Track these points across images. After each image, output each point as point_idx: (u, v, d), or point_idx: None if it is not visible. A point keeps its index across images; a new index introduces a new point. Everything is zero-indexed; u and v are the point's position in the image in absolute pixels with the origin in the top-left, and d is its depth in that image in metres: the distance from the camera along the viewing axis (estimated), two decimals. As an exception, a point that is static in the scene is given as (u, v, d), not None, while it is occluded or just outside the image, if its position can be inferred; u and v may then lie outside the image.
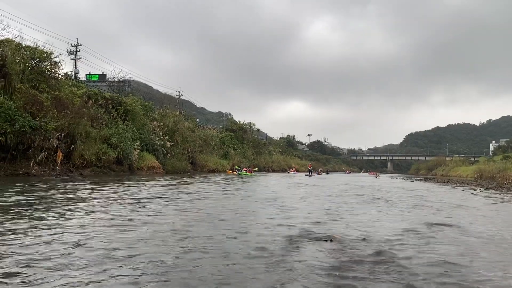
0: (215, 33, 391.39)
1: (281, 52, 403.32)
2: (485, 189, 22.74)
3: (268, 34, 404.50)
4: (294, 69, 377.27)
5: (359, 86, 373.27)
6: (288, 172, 56.20)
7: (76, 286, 3.34)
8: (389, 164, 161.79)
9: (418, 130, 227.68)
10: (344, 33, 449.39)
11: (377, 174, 68.20)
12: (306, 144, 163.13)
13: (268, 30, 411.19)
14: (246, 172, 40.71)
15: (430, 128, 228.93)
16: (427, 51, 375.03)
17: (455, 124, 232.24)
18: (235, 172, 40.72)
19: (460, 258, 4.87)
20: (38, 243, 4.82)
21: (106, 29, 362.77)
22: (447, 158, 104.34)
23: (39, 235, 5.30)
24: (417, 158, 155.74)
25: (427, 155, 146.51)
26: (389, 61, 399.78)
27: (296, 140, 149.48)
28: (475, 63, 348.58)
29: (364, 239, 5.77)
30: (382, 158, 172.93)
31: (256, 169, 49.43)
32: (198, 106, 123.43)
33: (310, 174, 51.14)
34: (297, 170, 68.31)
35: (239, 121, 75.91)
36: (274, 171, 66.54)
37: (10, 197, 9.64)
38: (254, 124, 78.46)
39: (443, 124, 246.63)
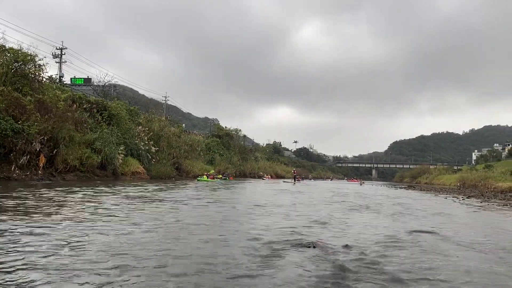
0: (203, 36, 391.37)
1: (270, 57, 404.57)
2: (467, 197, 23.06)
3: (257, 38, 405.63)
4: (282, 74, 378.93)
5: (347, 93, 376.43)
6: (263, 179, 55.31)
7: None
8: (374, 172, 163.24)
9: (403, 138, 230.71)
10: (334, 38, 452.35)
11: (362, 181, 68.63)
12: (292, 150, 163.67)
13: (257, 34, 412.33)
14: (207, 178, 34.98)
15: (414, 137, 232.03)
16: (416, 58, 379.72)
17: (439, 133, 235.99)
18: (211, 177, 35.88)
19: (441, 264, 4.92)
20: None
21: (90, 29, 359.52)
22: (431, 167, 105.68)
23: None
24: (401, 166, 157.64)
25: (411, 163, 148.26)
26: (378, 67, 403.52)
27: (283, 146, 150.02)
28: (464, 71, 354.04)
29: (346, 246, 5.80)
30: (367, 165, 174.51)
31: (221, 176, 42.29)
32: (184, 111, 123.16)
33: (294, 181, 48.17)
34: (273, 176, 67.63)
35: (226, 127, 75.95)
36: (259, 177, 66.56)
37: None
38: (240, 130, 78.64)
39: (428, 132, 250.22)
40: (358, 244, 6.03)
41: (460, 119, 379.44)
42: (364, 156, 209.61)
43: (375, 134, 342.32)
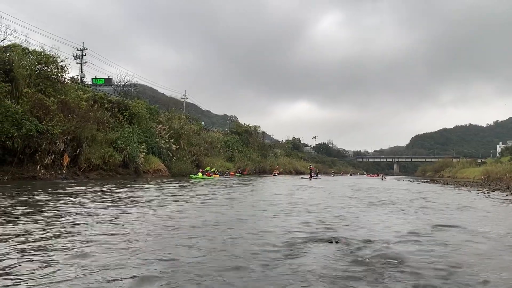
0: (220, 32, 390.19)
1: (288, 51, 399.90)
2: (492, 191, 22.56)
3: (275, 32, 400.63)
4: (301, 68, 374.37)
5: (367, 86, 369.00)
6: (274, 175, 54.33)
7: None
8: (395, 166, 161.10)
9: (425, 132, 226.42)
10: (354, 30, 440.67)
11: (383, 176, 67.87)
12: (312, 146, 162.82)
13: (275, 28, 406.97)
14: (202, 175, 32.44)
15: (436, 130, 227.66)
16: (440, 47, 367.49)
17: (461, 125, 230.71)
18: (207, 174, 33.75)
19: (468, 259, 4.83)
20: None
21: (109, 29, 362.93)
22: (454, 160, 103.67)
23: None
24: (423, 160, 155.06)
25: (433, 157, 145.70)
26: (399, 58, 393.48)
27: (302, 142, 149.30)
28: (490, 60, 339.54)
29: (369, 241, 5.75)
30: (388, 160, 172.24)
31: (217, 174, 38.02)
32: (203, 109, 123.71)
33: (311, 177, 45.74)
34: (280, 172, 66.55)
35: (245, 124, 76.03)
36: (280, 173, 66.43)
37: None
38: (259, 126, 78.63)
39: (450, 125, 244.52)
40: (380, 239, 5.97)
41: (484, 110, 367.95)
42: (385, 151, 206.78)
43: (396, 128, 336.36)
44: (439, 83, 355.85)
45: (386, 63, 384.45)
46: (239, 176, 43.18)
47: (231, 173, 44.82)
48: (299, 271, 4.07)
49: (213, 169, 38.15)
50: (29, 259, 4.20)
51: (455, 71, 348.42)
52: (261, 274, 3.92)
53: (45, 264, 4.03)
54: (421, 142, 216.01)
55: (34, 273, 3.72)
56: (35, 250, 4.63)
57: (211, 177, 33.17)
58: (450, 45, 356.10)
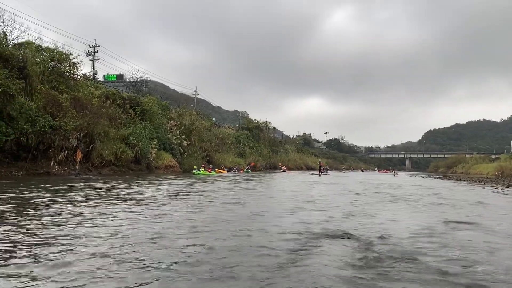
0: (230, 27, 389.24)
1: (299, 46, 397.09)
2: (506, 187, 22.27)
3: (285, 28, 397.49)
4: (312, 63, 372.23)
5: (379, 81, 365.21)
6: (284, 171, 53.91)
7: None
8: (407, 162, 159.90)
9: (437, 127, 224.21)
10: (366, 24, 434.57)
11: (395, 172, 67.38)
12: (323, 142, 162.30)
13: (285, 23, 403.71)
14: (205, 171, 31.51)
15: (449, 125, 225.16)
16: (453, 41, 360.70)
17: (475, 120, 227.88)
18: (208, 170, 32.91)
19: (482, 256, 4.78)
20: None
21: (120, 25, 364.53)
22: (467, 156, 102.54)
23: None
24: (436, 155, 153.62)
25: (446, 153, 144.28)
26: (412, 53, 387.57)
27: (313, 138, 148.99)
28: (505, 54, 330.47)
29: (382, 237, 5.72)
30: (400, 156, 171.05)
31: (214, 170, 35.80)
32: (214, 105, 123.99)
33: (320, 173, 44.23)
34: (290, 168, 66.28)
35: (255, 120, 76.04)
36: (290, 169, 66.39)
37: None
38: (270, 122, 78.59)
39: (463, 120, 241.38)
40: (393, 235, 5.93)
41: (498, 106, 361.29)
42: (397, 146, 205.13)
43: (408, 123, 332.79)
44: (452, 78, 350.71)
45: (398, 58, 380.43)
46: (247, 172, 42.97)
47: (242, 170, 44.67)
48: (311, 266, 4.07)
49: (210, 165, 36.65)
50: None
51: (469, 66, 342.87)
52: (273, 269, 3.93)
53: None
54: (433, 137, 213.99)
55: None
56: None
57: (212, 172, 32.81)
58: (465, 39, 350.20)
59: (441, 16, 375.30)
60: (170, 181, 18.77)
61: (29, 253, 4.26)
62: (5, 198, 9.30)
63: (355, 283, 3.57)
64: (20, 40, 25.29)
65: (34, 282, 3.32)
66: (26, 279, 3.39)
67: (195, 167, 31.89)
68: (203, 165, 33.19)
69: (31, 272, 3.60)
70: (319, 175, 39.78)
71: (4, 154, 18.64)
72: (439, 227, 6.86)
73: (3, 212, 7.14)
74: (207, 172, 31.39)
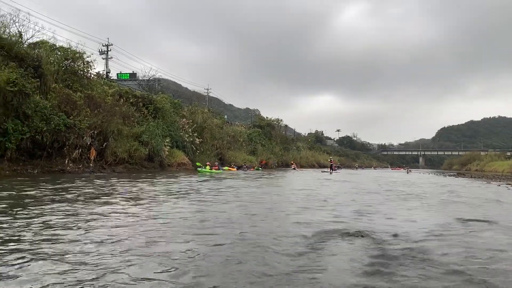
0: (242, 25, 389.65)
1: (311, 43, 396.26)
2: (522, 184, 21.92)
3: (297, 24, 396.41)
4: (324, 60, 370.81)
5: (392, 78, 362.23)
6: (294, 169, 53.44)
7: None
8: (420, 159, 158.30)
9: (451, 124, 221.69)
10: (379, 20, 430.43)
11: (409, 169, 66.77)
12: (335, 139, 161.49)
13: (297, 20, 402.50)
14: (211, 169, 30.02)
15: (463, 122, 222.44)
16: (468, 37, 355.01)
17: (490, 117, 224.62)
18: (215, 168, 31.38)
19: (499, 254, 4.71)
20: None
21: (133, 24, 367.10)
22: (482, 153, 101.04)
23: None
24: (450, 153, 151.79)
25: (460, 150, 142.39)
26: (426, 49, 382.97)
27: (325, 135, 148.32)
28: None
29: (396, 235, 5.67)
30: (413, 153, 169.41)
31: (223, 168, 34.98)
32: (226, 102, 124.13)
33: (331, 170, 43.29)
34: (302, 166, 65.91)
35: (267, 117, 75.92)
36: (302, 166, 66.24)
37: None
38: (281, 120, 78.44)
39: (478, 117, 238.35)
40: (407, 233, 5.87)
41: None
42: (410, 144, 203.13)
43: (421, 120, 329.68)
44: (466, 74, 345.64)
45: (411, 54, 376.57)
46: (257, 169, 42.82)
47: (252, 167, 44.54)
48: (325, 264, 4.06)
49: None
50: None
51: (483, 62, 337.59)
52: (286, 267, 3.92)
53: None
54: (447, 134, 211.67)
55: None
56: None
57: (218, 170, 30.90)
58: (480, 34, 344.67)
59: (454, 11, 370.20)
60: (181, 179, 18.88)
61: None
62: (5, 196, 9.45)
63: (370, 283, 3.55)
64: (35, 40, 25.60)
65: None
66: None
67: (197, 163, 30.93)
68: (208, 163, 31.25)
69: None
70: (330, 173, 39.57)
71: (20, 152, 18.91)
72: (455, 225, 6.78)
73: None
74: (214, 170, 29.89)
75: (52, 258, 3.97)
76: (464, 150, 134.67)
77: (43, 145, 19.71)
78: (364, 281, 3.55)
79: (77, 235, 5.14)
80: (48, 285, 3.19)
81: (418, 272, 3.86)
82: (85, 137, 21.65)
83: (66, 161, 20.58)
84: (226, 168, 36.75)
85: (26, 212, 6.79)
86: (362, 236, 5.53)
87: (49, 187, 11.97)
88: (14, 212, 6.74)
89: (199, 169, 28.94)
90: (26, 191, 10.51)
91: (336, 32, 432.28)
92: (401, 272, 3.85)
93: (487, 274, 3.85)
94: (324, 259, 4.28)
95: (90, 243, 4.69)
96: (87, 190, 11.27)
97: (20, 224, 5.74)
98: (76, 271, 3.57)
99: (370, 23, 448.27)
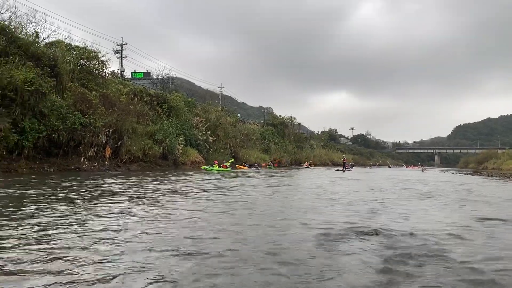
0: (256, 22, 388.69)
1: (325, 40, 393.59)
2: (541, 183, 21.50)
3: (312, 21, 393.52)
4: (338, 58, 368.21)
5: (408, 75, 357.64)
6: (307, 167, 53.04)
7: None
8: (436, 158, 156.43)
9: (468, 122, 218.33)
10: (395, 16, 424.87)
11: (424, 167, 66.03)
12: (349, 138, 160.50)
13: (312, 17, 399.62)
14: (218, 167, 28.63)
15: (480, 120, 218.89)
16: (485, 33, 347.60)
17: (507, 115, 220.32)
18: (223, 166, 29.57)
19: (516, 254, 4.62)
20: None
21: (147, 23, 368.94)
22: (499, 151, 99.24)
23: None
24: (466, 151, 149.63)
25: (476, 148, 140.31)
26: (442, 45, 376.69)
27: (339, 133, 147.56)
28: None
29: (412, 234, 5.61)
30: (429, 151, 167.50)
31: (232, 160, 34.52)
32: (239, 101, 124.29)
33: (344, 169, 42.98)
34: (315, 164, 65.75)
35: (280, 116, 75.73)
36: (315, 165, 66.00)
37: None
38: (295, 118, 78.16)
39: (495, 115, 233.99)
40: (423, 232, 5.80)
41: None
42: (425, 142, 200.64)
43: (437, 118, 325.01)
44: (484, 70, 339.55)
45: (428, 51, 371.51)
46: (269, 168, 42.71)
47: (264, 164, 44.67)
48: (340, 263, 4.03)
49: (231, 160, 34.74)
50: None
51: (501, 58, 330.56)
52: (300, 265, 3.91)
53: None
54: (463, 132, 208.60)
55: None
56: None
57: (227, 169, 29.15)
58: (497, 30, 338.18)
59: (472, 7, 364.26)
60: (195, 177, 18.97)
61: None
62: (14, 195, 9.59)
63: (387, 283, 3.52)
64: (51, 40, 26.00)
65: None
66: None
67: (203, 167, 29.25)
68: (216, 161, 30.04)
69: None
70: (343, 171, 39.34)
71: (37, 150, 19.20)
72: (472, 224, 6.67)
73: None
74: (222, 168, 28.48)
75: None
76: (481, 148, 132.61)
77: (59, 143, 19.98)
78: (380, 280, 3.52)
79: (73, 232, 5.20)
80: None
81: (435, 271, 3.81)
82: (100, 136, 21.88)
83: (82, 159, 20.83)
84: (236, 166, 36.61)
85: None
86: (377, 235, 5.48)
87: (71, 184, 12.14)
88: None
89: (205, 167, 28.50)
90: (64, 189, 10.66)
91: (351, 29, 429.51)
92: (418, 271, 3.80)
93: (509, 276, 3.78)
94: (339, 257, 4.25)
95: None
96: (103, 188, 11.39)
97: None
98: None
99: (386, 19, 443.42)
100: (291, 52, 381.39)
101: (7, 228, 5.23)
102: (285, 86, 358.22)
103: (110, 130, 22.87)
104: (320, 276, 3.57)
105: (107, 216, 6.47)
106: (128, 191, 10.64)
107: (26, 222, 5.68)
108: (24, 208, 6.88)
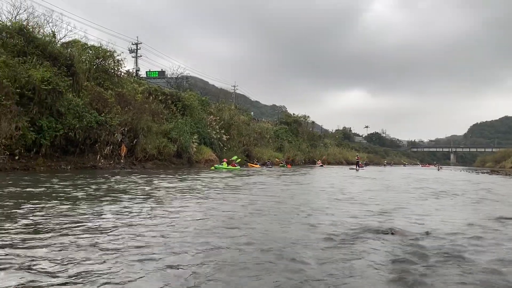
0: (270, 20, 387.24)
1: (339, 38, 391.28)
2: (561, 183, 21.06)
3: (325, 19, 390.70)
4: (352, 55, 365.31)
5: (423, 72, 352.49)
6: (321, 165, 52.54)
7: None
8: (452, 156, 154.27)
9: (485, 120, 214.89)
10: (410, 12, 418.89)
11: (440, 166, 65.20)
12: (364, 136, 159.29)
13: (325, 14, 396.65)
14: (227, 165, 27.95)
15: (498, 118, 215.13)
16: (505, 28, 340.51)
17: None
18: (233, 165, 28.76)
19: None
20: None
21: (162, 22, 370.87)
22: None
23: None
24: (483, 149, 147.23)
25: (494, 147, 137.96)
26: (459, 41, 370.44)
27: (353, 132, 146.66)
28: None
29: (428, 233, 5.55)
30: (444, 150, 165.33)
31: (236, 157, 32.20)
32: (252, 99, 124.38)
33: (357, 167, 43.07)
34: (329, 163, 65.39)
35: (294, 114, 75.54)
36: (329, 163, 65.69)
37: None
38: (309, 116, 77.94)
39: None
40: (439, 231, 5.73)
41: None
42: (441, 140, 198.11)
43: (453, 116, 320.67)
44: (503, 66, 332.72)
45: (444, 47, 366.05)
46: (282, 166, 42.08)
47: (277, 161, 44.70)
48: (355, 262, 4.01)
49: (238, 160, 32.29)
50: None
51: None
52: (315, 265, 3.90)
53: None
54: (480, 131, 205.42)
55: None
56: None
57: (236, 167, 28.37)
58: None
59: (490, 1, 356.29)
60: (209, 175, 19.06)
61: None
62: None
63: (403, 284, 3.49)
64: (67, 39, 26.37)
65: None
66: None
67: (212, 167, 28.11)
68: (225, 160, 29.44)
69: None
70: (357, 170, 39.06)
71: (54, 149, 19.51)
72: (490, 224, 6.57)
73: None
74: (231, 167, 27.81)
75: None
76: (498, 146, 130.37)
77: (76, 141, 20.27)
78: (396, 280, 3.50)
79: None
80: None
81: (452, 272, 3.77)
82: (116, 134, 22.13)
83: (98, 158, 21.09)
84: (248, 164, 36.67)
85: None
86: (393, 234, 5.44)
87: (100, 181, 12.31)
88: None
89: (215, 166, 28.00)
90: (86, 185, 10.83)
91: (366, 26, 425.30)
92: (435, 272, 3.76)
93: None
94: (355, 256, 4.23)
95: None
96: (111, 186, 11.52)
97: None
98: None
99: (402, 15, 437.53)
100: (305, 50, 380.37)
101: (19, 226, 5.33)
102: (299, 84, 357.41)
103: (126, 129, 23.11)
104: (335, 274, 3.56)
105: (119, 213, 6.55)
106: (148, 188, 10.75)
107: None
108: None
